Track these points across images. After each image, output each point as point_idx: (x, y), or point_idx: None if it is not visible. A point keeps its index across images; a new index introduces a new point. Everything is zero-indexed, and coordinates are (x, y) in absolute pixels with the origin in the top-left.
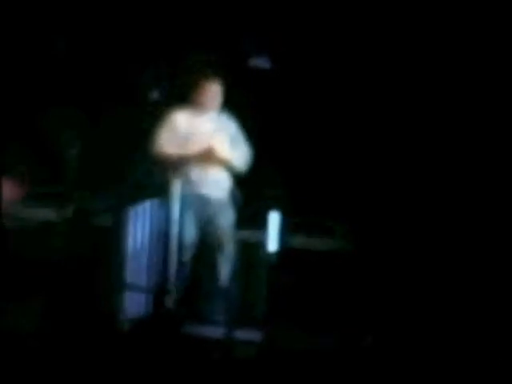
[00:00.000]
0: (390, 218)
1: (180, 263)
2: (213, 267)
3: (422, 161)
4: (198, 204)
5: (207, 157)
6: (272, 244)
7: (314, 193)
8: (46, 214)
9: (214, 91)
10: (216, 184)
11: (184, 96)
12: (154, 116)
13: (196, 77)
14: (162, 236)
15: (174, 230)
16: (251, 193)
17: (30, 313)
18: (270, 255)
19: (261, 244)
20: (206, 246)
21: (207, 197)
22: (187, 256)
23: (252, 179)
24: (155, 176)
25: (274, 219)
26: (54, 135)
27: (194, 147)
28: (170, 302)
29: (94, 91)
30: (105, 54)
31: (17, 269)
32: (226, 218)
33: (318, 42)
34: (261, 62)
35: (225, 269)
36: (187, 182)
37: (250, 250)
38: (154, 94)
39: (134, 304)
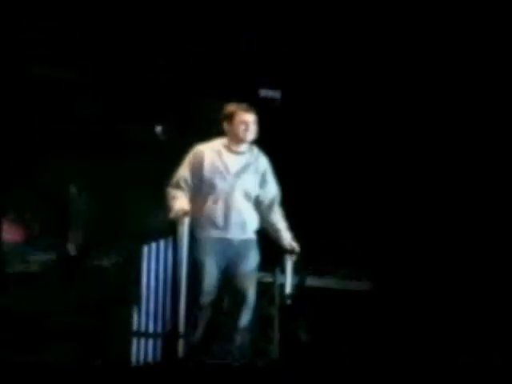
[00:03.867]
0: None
1: (198, 308)
2: (232, 314)
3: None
4: (221, 247)
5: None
6: (288, 286)
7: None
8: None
9: (251, 121)
10: (241, 226)
11: (203, 130)
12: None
13: (232, 107)
14: (170, 279)
15: (183, 272)
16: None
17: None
18: (285, 297)
19: (276, 286)
20: (227, 291)
21: (231, 239)
22: (207, 301)
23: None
24: (163, 215)
25: (289, 262)
26: (60, 186)
27: (220, 187)
28: (180, 348)
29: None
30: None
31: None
32: (250, 262)
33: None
34: (271, 93)
35: (245, 316)
36: (209, 223)
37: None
38: (159, 132)
39: (142, 350)
